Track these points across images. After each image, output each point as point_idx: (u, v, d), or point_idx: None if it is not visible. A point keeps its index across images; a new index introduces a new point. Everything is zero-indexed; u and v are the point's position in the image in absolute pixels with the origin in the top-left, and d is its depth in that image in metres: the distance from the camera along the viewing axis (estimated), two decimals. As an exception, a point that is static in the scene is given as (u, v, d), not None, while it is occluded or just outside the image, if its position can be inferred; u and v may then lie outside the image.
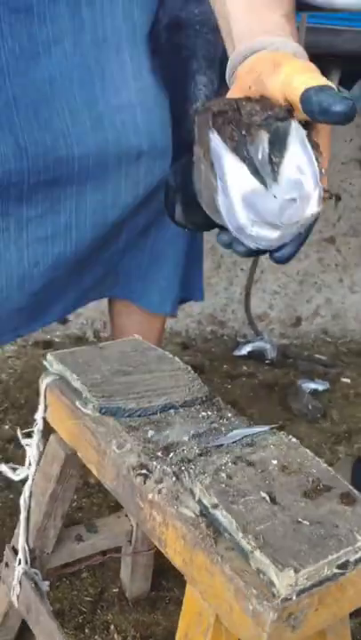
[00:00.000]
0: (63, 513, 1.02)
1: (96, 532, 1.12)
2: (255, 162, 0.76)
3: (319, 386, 2.11)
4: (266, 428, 0.83)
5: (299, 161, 0.75)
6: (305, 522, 0.68)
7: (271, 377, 2.14)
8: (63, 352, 1.00)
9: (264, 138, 0.76)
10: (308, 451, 0.79)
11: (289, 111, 0.76)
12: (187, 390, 0.91)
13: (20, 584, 1.02)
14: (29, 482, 1.01)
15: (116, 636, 1.19)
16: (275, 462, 0.75)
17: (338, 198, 2.28)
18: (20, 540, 1.02)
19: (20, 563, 1.02)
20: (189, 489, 0.73)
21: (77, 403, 0.89)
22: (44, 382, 0.97)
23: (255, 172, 0.76)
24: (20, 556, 1.02)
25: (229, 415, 0.87)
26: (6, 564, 1.06)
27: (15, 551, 1.03)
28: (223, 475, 0.73)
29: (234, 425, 0.84)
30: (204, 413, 0.87)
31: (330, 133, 0.78)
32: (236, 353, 2.24)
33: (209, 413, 0.87)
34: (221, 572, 0.66)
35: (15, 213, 1.01)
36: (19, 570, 1.01)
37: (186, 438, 0.81)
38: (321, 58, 2.27)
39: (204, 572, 0.69)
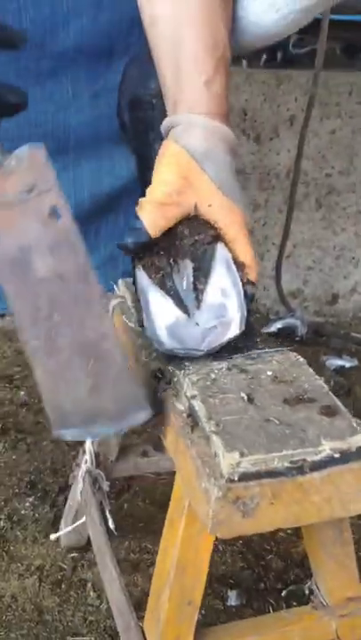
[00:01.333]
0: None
1: (162, 452, 1.21)
2: (180, 292, 0.84)
3: (346, 362, 2.01)
4: (283, 349, 0.86)
5: (223, 284, 0.83)
6: (275, 421, 0.72)
7: (299, 354, 2.05)
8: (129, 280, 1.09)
9: (189, 266, 0.84)
10: (311, 370, 0.81)
11: (215, 236, 0.84)
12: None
13: (84, 481, 1.14)
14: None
15: (91, 593, 1.28)
16: (269, 373, 0.79)
17: None
18: (87, 442, 1.14)
19: (85, 462, 1.15)
20: (184, 388, 0.79)
21: (124, 317, 0.98)
22: (111, 304, 1.07)
23: (180, 302, 0.84)
24: (87, 456, 1.14)
25: (257, 340, 0.90)
26: (78, 465, 1.19)
27: (84, 453, 1.16)
28: (213, 375, 0.78)
29: (257, 347, 0.88)
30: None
31: (248, 243, 0.85)
32: (265, 330, 2.15)
33: (239, 337, 0.91)
34: (190, 455, 0.72)
35: None
36: (83, 468, 1.14)
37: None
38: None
39: (182, 457, 0.75)
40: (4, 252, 0.75)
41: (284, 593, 1.29)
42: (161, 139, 0.92)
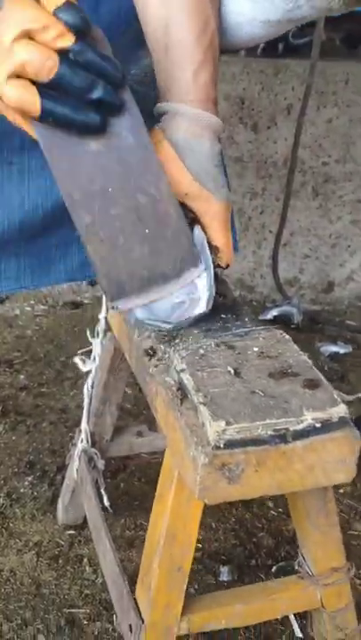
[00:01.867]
0: (117, 402, 1.16)
1: (156, 432, 1.25)
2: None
3: (341, 349, 2.04)
4: (272, 328, 0.89)
5: None
6: (260, 393, 0.75)
7: (294, 340, 2.08)
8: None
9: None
10: (296, 346, 0.84)
11: (192, 219, 0.87)
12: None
13: (80, 459, 1.18)
14: (92, 373, 1.16)
15: (87, 567, 1.31)
16: (255, 349, 0.82)
17: None
18: (83, 423, 1.18)
19: (82, 441, 1.18)
20: (174, 363, 0.82)
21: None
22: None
23: None
24: (83, 436, 1.18)
25: (246, 319, 0.93)
26: (74, 444, 1.23)
27: (80, 432, 1.20)
28: (201, 351, 0.81)
29: (246, 326, 0.91)
30: (223, 315, 0.94)
31: (222, 229, 0.88)
32: (262, 317, 2.18)
33: (229, 316, 0.94)
34: (179, 426, 0.75)
35: (18, 163, 1.08)
36: (79, 447, 1.18)
37: (196, 331, 0.90)
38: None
39: (171, 429, 0.79)
40: (54, 130, 0.77)
41: (274, 569, 1.32)
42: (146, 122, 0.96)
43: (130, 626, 0.92)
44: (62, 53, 0.72)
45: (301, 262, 2.36)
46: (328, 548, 0.92)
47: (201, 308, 0.86)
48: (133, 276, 0.82)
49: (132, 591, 0.95)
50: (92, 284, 2.30)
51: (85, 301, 2.34)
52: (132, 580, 0.99)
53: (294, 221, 2.28)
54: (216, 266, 0.87)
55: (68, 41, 0.72)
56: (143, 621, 0.89)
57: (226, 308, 0.93)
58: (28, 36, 0.71)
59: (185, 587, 0.88)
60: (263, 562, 1.35)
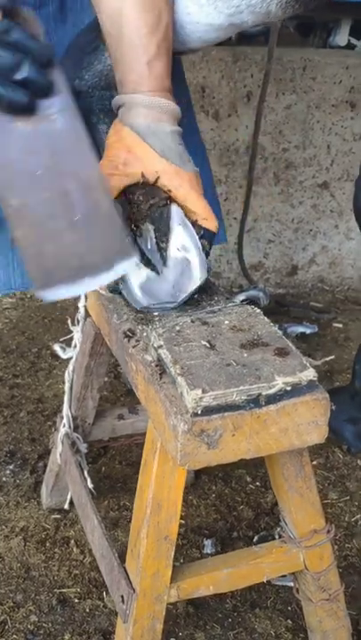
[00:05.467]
0: (99, 387, 1.19)
1: (137, 414, 1.29)
2: (146, 253, 0.91)
3: (307, 329, 2.11)
4: (240, 303, 0.94)
5: (183, 240, 0.91)
6: (233, 363, 0.79)
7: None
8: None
9: (150, 229, 0.90)
10: (267, 319, 0.89)
11: (167, 198, 0.91)
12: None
13: (62, 443, 1.21)
14: (73, 359, 1.20)
15: (75, 549, 1.35)
16: (227, 322, 0.87)
17: None
18: (65, 408, 1.21)
19: (64, 426, 1.21)
20: (152, 341, 0.86)
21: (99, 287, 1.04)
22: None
23: (148, 262, 0.92)
24: (65, 420, 1.21)
25: (218, 298, 0.98)
26: (57, 429, 1.26)
27: (62, 418, 1.23)
28: (177, 328, 0.85)
29: (218, 303, 0.96)
30: (196, 296, 0.98)
31: (199, 198, 0.92)
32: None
33: (203, 296, 0.98)
34: (159, 398, 0.80)
35: None
36: (62, 432, 1.21)
37: (172, 311, 0.94)
38: (333, 7, 2.24)
39: (152, 403, 0.83)
40: None
41: (255, 539, 1.37)
42: (103, 120, 1.00)
43: (122, 597, 0.96)
44: None
45: (266, 247, 2.41)
46: (308, 511, 0.97)
47: (196, 278, 0.91)
48: (63, 265, 0.79)
49: (122, 562, 0.99)
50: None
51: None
52: (120, 557, 1.03)
53: (257, 207, 2.33)
54: (201, 236, 0.91)
55: None
56: (134, 591, 0.93)
57: (200, 288, 0.97)
58: None
59: (172, 554, 0.92)
60: (244, 533, 1.40)
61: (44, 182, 0.77)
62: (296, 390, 0.77)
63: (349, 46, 2.49)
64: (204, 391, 0.74)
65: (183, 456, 0.76)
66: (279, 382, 0.76)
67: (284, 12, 1.01)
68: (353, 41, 2.50)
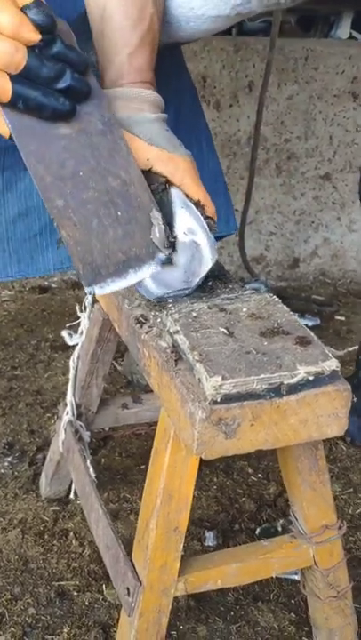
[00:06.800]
0: (104, 375, 1.17)
1: (141, 404, 1.26)
2: (156, 242, 0.87)
3: (309, 322, 2.11)
4: (261, 290, 0.91)
5: (188, 223, 0.88)
6: (253, 351, 0.77)
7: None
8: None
9: (158, 216, 0.87)
10: (285, 307, 0.86)
11: (165, 182, 0.89)
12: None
13: (65, 431, 1.19)
14: (78, 346, 1.17)
15: (74, 541, 1.33)
16: (245, 310, 0.84)
17: None
18: (68, 395, 1.18)
19: (67, 414, 1.19)
20: (167, 326, 0.84)
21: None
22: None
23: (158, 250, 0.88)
24: (68, 408, 1.19)
25: (235, 287, 0.95)
26: (59, 418, 1.23)
27: (65, 405, 1.20)
28: (194, 314, 0.83)
29: (234, 291, 0.93)
30: (210, 283, 0.96)
31: (195, 183, 0.89)
32: None
33: (217, 284, 0.96)
34: (175, 385, 0.77)
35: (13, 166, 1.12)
36: (65, 419, 1.18)
37: (187, 298, 0.92)
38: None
39: (166, 390, 0.80)
40: (24, 116, 0.78)
41: (257, 531, 1.35)
42: None
43: (127, 589, 0.93)
44: (30, 46, 0.76)
45: (267, 240, 2.39)
46: (320, 506, 0.95)
47: (207, 260, 0.88)
48: (109, 260, 0.82)
49: (128, 554, 0.96)
50: None
51: (53, 285, 2.33)
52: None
53: (259, 199, 2.31)
54: (205, 217, 0.88)
55: (35, 36, 0.76)
56: (141, 583, 0.91)
57: (213, 276, 0.95)
58: None
59: (181, 546, 0.90)
60: (246, 525, 1.38)
61: (87, 182, 0.81)
62: (318, 380, 0.75)
63: (351, 39, 2.47)
64: (223, 378, 0.72)
65: (199, 445, 0.73)
66: (301, 371, 0.74)
67: (294, 0, 0.99)
68: (355, 34, 2.48)
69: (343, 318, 2.20)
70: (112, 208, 0.82)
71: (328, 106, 2.24)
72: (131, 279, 0.84)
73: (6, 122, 0.79)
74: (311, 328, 2.13)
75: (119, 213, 0.82)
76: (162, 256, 0.84)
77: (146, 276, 0.85)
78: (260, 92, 2.08)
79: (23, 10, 0.75)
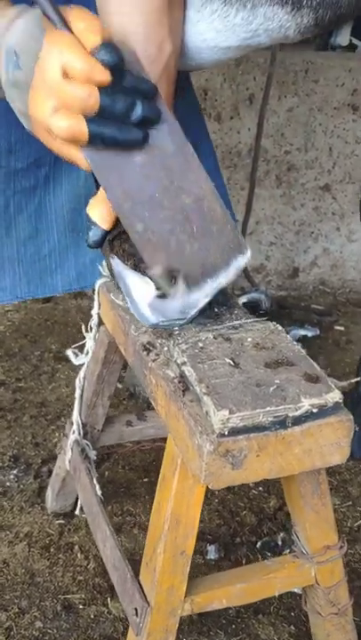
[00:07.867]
0: (110, 394, 1.19)
1: (145, 421, 1.29)
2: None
3: (309, 332, 2.12)
4: (262, 319, 0.94)
5: None
6: (258, 382, 0.79)
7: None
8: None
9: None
10: (289, 337, 0.89)
11: None
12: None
13: (72, 450, 1.21)
14: (84, 367, 1.19)
15: (79, 554, 1.36)
16: (250, 340, 0.87)
17: None
18: (75, 414, 1.20)
19: (73, 432, 1.21)
20: (174, 357, 0.86)
21: (112, 295, 1.04)
22: (97, 284, 1.13)
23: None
24: (75, 427, 1.21)
25: (240, 313, 0.97)
26: (65, 435, 1.26)
27: (72, 424, 1.23)
28: (200, 344, 0.85)
29: (238, 318, 0.95)
30: (217, 310, 0.98)
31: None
32: None
33: (222, 310, 0.98)
34: (182, 416, 0.80)
35: (5, 166, 1.12)
36: (71, 438, 1.21)
37: (192, 325, 0.93)
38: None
39: (174, 420, 0.83)
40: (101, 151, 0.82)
41: (258, 544, 1.38)
42: None
43: (135, 609, 0.96)
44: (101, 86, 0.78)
45: (267, 250, 2.42)
46: (322, 528, 0.97)
47: (204, 300, 0.90)
48: (188, 275, 0.87)
49: (134, 572, 0.99)
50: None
51: (56, 295, 2.35)
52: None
53: (259, 210, 2.33)
54: None
55: (107, 77, 0.78)
56: (149, 604, 0.93)
57: (218, 301, 0.97)
58: (69, 73, 0.77)
59: (188, 569, 0.92)
60: (247, 539, 1.40)
61: (163, 202, 0.85)
62: (321, 412, 0.77)
63: (351, 46, 2.49)
64: (231, 412, 0.74)
65: (207, 475, 0.76)
66: (306, 404, 0.76)
67: (303, 35, 1.02)
68: (355, 41, 2.50)
69: (343, 328, 2.22)
70: (187, 225, 0.86)
71: (328, 118, 2.27)
72: (208, 289, 0.88)
73: (86, 158, 0.82)
74: (311, 338, 2.18)
75: (194, 228, 0.86)
76: (240, 260, 0.88)
77: (221, 284, 0.89)
78: (261, 104, 2.10)
79: (93, 53, 0.77)
